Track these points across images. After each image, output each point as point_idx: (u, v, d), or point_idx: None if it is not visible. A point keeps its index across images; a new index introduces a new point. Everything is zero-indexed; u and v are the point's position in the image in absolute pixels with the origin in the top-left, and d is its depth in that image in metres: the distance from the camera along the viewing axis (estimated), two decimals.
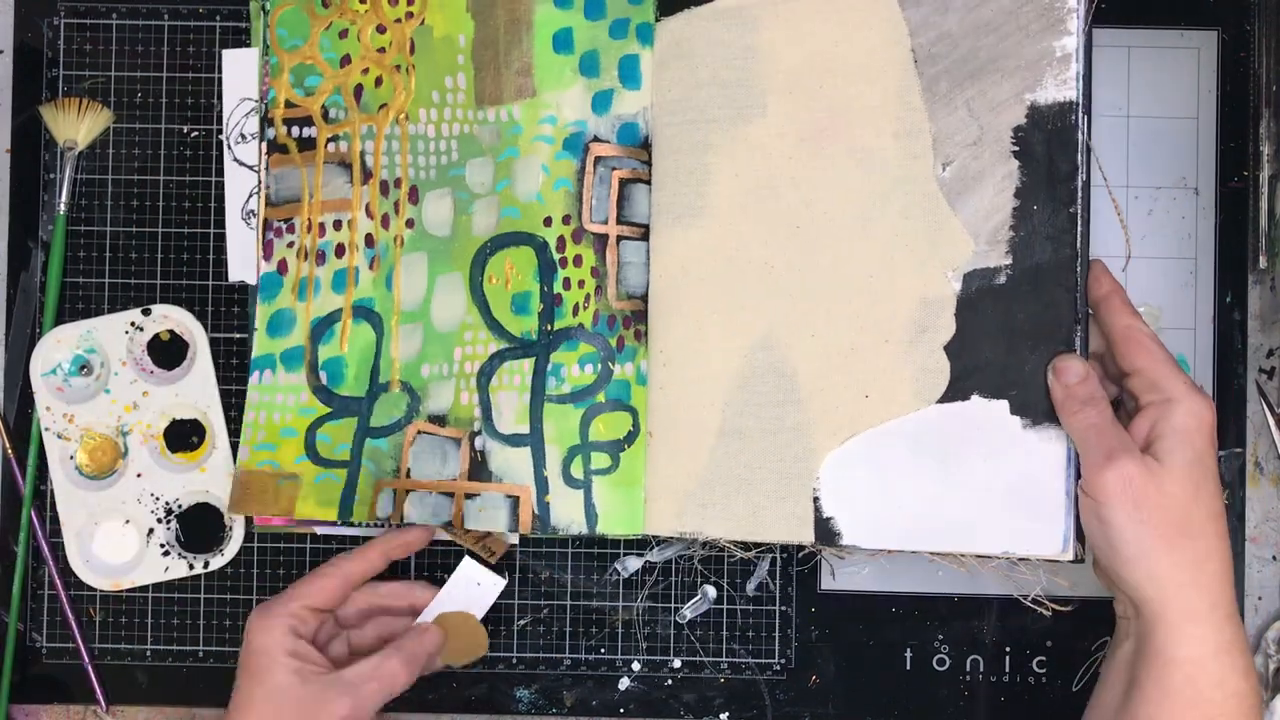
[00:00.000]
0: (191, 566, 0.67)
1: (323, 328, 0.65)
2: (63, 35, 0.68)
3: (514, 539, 0.68)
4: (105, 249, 0.68)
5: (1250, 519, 0.67)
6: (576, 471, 0.63)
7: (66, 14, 0.68)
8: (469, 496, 0.64)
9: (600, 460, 0.64)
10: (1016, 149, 0.61)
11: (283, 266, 0.65)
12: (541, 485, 0.63)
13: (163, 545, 0.67)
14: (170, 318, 0.67)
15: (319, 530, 0.67)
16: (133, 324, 0.67)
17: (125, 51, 0.68)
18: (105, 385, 0.67)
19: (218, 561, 0.67)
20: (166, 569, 0.67)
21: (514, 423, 0.64)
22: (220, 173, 0.68)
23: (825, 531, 0.62)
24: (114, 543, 0.67)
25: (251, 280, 0.66)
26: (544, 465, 0.64)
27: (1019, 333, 0.61)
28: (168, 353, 0.68)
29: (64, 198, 0.67)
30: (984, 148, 0.62)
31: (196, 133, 0.68)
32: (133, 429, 0.67)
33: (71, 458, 0.67)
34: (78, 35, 0.68)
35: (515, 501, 0.63)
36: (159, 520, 0.67)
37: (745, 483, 0.63)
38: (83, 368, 0.67)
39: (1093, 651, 0.67)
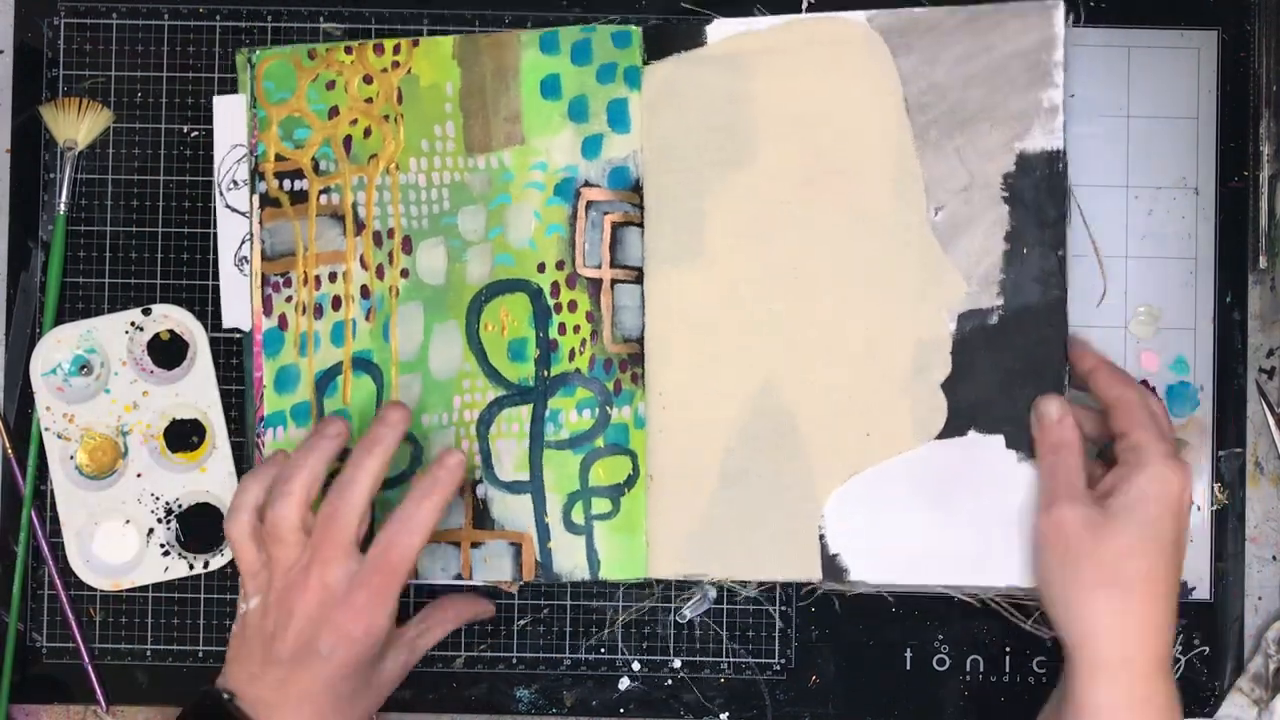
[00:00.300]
0: (191, 566, 0.67)
1: (326, 381, 0.65)
2: (63, 35, 0.68)
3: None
4: (105, 249, 0.68)
5: (1250, 519, 0.67)
6: (577, 517, 0.64)
7: (66, 14, 0.68)
8: (474, 545, 0.64)
9: (601, 505, 0.64)
10: (1006, 195, 0.63)
11: (283, 322, 0.66)
12: (543, 532, 0.64)
13: (163, 545, 0.67)
14: (170, 317, 0.67)
15: None
16: (133, 324, 0.67)
17: (125, 51, 0.68)
18: (105, 385, 0.67)
19: (218, 561, 0.67)
20: (166, 569, 0.67)
21: (514, 470, 0.64)
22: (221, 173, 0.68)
23: (832, 568, 0.64)
24: (114, 543, 0.67)
25: (245, 327, 0.67)
26: (545, 512, 0.64)
27: (1011, 370, 0.63)
28: (168, 353, 0.68)
29: (64, 197, 0.67)
30: (974, 193, 0.63)
31: (196, 133, 0.68)
32: (133, 429, 0.67)
33: (71, 458, 0.67)
34: (78, 35, 0.68)
35: (518, 549, 0.64)
36: (159, 520, 0.67)
37: (750, 523, 0.64)
38: (82, 368, 0.67)
39: None
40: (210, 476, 0.67)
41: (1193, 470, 0.59)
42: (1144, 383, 0.67)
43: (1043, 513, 0.58)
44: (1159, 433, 0.58)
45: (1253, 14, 0.68)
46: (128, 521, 0.67)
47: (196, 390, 0.67)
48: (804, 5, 0.68)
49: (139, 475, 0.67)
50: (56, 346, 0.67)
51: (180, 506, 0.67)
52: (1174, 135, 0.68)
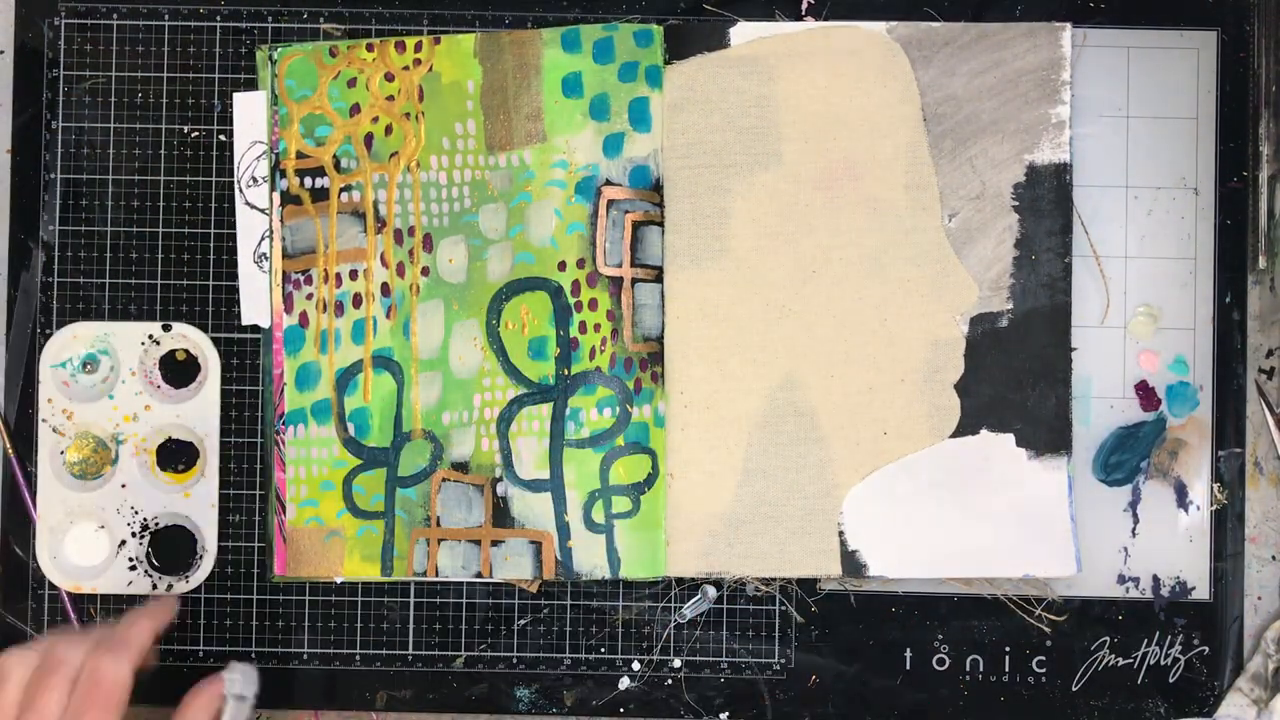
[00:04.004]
0: (154, 586, 0.67)
1: (346, 379, 0.66)
2: (63, 35, 0.68)
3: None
4: (105, 249, 0.68)
5: (1250, 519, 0.67)
6: (598, 516, 0.64)
7: (66, 14, 0.68)
8: (494, 543, 0.65)
9: (621, 504, 0.64)
10: (1016, 204, 0.66)
11: (304, 319, 0.66)
12: (563, 530, 0.64)
13: (131, 559, 0.67)
14: (188, 338, 0.67)
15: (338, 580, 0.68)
16: (150, 336, 0.67)
17: (125, 51, 0.68)
18: (110, 390, 0.67)
19: (181, 586, 0.67)
20: (130, 583, 0.67)
21: (534, 468, 0.65)
22: (223, 173, 0.68)
23: (852, 564, 0.65)
24: (84, 546, 0.67)
25: (264, 324, 0.67)
26: (565, 510, 0.64)
27: (1021, 371, 0.66)
28: (178, 372, 0.68)
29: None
30: (986, 202, 0.66)
31: (197, 133, 0.68)
32: (127, 439, 0.67)
33: (61, 453, 0.67)
34: (78, 35, 0.68)
35: (538, 547, 0.64)
36: (133, 534, 0.67)
37: (771, 520, 0.65)
38: (86, 364, 0.67)
39: (1092, 651, 0.67)
40: (193, 502, 0.67)
41: None
42: (1143, 383, 0.67)
43: None
44: None
45: (1253, 14, 0.68)
46: (102, 527, 0.67)
47: (198, 415, 0.67)
48: (803, 7, 0.68)
49: (123, 485, 0.67)
50: (71, 342, 0.67)
51: (156, 525, 0.67)
52: (1174, 135, 0.68)
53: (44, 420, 0.67)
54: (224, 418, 0.67)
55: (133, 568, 0.67)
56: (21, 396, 0.68)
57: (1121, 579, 0.67)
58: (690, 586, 0.68)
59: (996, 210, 0.66)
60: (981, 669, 0.67)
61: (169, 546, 0.68)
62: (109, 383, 0.67)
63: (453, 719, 0.68)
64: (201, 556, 0.67)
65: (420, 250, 0.66)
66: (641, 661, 0.68)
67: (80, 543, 0.67)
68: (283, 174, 0.66)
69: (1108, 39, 0.68)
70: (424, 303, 0.66)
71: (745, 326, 0.66)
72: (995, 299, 0.66)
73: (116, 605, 0.68)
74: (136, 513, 0.67)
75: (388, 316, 0.66)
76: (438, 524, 0.65)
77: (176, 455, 0.68)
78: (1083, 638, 0.67)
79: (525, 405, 0.65)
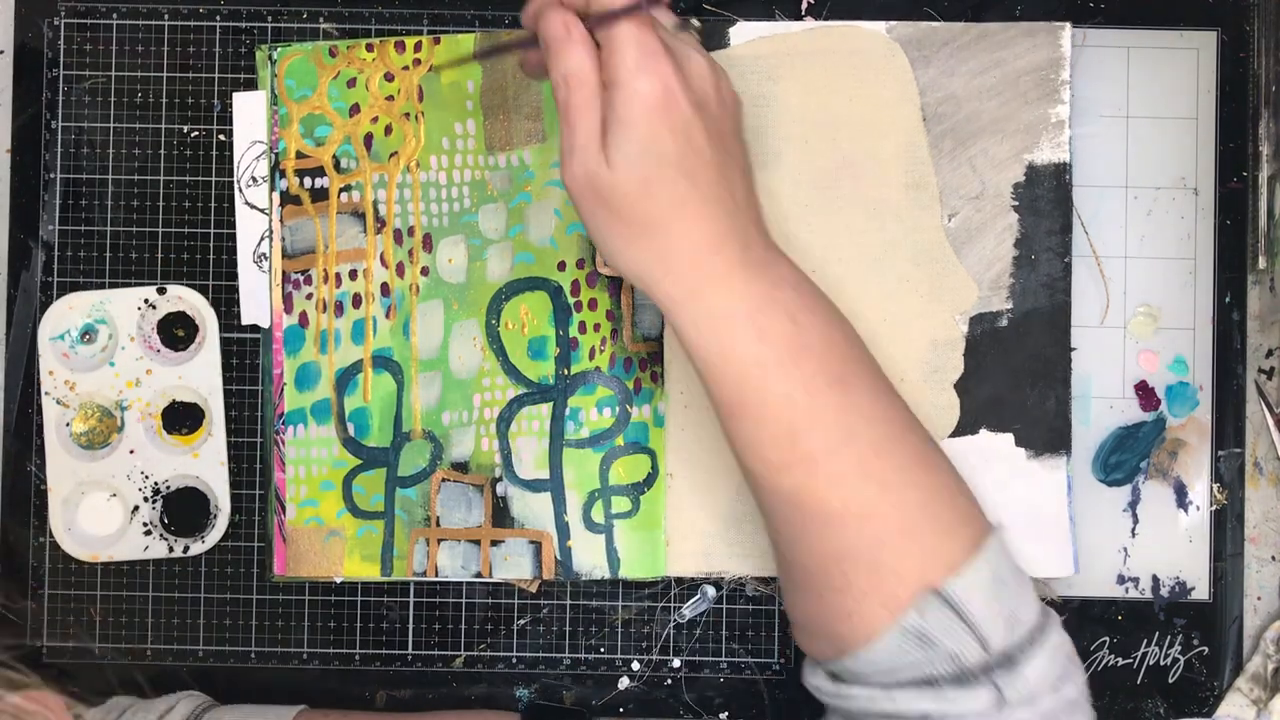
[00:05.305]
0: (170, 549, 0.67)
1: (346, 379, 0.66)
2: (63, 35, 0.68)
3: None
4: (105, 249, 0.68)
5: (1250, 519, 0.67)
6: (597, 516, 0.64)
7: (66, 14, 0.68)
8: (494, 543, 0.65)
9: (620, 504, 0.64)
10: (1016, 204, 0.66)
11: (304, 319, 0.66)
12: (563, 530, 0.64)
13: (145, 524, 0.67)
14: (184, 300, 0.67)
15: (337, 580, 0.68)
16: (146, 301, 0.67)
17: (125, 51, 0.68)
18: (111, 358, 0.67)
19: (198, 548, 0.67)
20: (146, 548, 0.67)
21: (534, 468, 0.65)
22: (222, 173, 0.68)
23: None
24: (98, 515, 0.67)
25: (264, 324, 0.67)
26: (564, 510, 0.65)
27: (1020, 371, 0.66)
28: (176, 334, 0.68)
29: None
30: (986, 201, 0.66)
31: (196, 133, 0.68)
32: (132, 405, 0.67)
33: (67, 425, 0.67)
34: (78, 35, 0.68)
35: (538, 547, 0.64)
36: (145, 499, 0.67)
37: None
38: (85, 334, 0.67)
39: (1091, 651, 0.67)
40: (202, 463, 0.67)
41: (681, 59, 0.51)
42: (1143, 383, 0.67)
43: (564, 169, 0.51)
44: (629, 42, 0.49)
45: (1253, 14, 0.68)
46: (114, 495, 0.67)
47: (200, 375, 0.67)
48: (803, 7, 0.68)
49: (131, 452, 0.67)
50: (68, 313, 0.67)
51: (168, 488, 0.67)
52: (1174, 135, 0.68)
53: (47, 393, 0.67)
54: (223, 418, 0.67)
55: (147, 533, 0.67)
56: (22, 396, 0.68)
57: (1121, 579, 0.67)
58: (690, 586, 0.68)
59: (996, 210, 0.66)
60: None
61: (182, 509, 0.68)
62: (108, 351, 0.67)
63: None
64: (215, 516, 0.67)
65: (420, 250, 0.66)
66: (641, 661, 0.68)
67: (93, 513, 0.68)
68: (282, 174, 0.66)
69: (1108, 39, 0.68)
70: (424, 303, 0.66)
71: None
72: (995, 299, 0.66)
73: (121, 604, 0.68)
74: (147, 478, 0.67)
75: (387, 316, 0.66)
76: (437, 524, 0.65)
77: (182, 417, 0.68)
78: (1082, 638, 0.67)
79: (525, 405, 0.65)
